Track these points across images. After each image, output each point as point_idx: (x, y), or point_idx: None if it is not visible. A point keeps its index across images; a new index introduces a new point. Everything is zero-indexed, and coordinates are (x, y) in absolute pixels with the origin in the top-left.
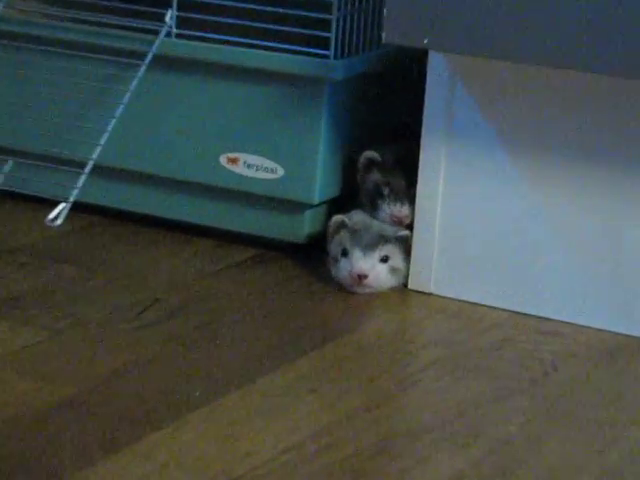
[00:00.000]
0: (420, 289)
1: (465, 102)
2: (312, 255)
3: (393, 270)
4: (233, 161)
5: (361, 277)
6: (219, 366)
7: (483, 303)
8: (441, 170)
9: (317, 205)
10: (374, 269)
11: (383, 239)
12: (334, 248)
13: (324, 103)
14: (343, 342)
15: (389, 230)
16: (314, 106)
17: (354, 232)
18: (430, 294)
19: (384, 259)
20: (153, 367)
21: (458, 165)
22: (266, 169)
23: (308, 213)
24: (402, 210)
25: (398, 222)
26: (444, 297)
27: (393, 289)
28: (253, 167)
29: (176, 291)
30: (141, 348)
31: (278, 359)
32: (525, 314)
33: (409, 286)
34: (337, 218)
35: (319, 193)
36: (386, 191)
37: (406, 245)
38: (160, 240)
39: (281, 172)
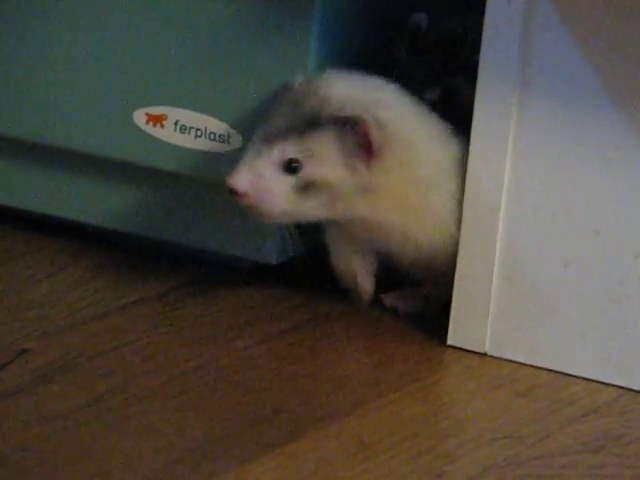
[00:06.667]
0: (467, 347)
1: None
2: (289, 283)
3: (309, 188)
4: (156, 120)
5: (236, 193)
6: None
7: (571, 372)
8: (507, 156)
9: None
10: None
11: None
12: None
13: (313, 22)
14: (329, 434)
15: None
16: (296, 27)
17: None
18: (484, 355)
19: (289, 165)
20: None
21: (536, 148)
22: (213, 135)
23: None
24: None
25: None
26: (507, 361)
27: (421, 344)
28: (190, 131)
29: (54, 338)
30: None
31: (217, 462)
32: None
33: (449, 341)
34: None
35: None
36: None
37: (355, 138)
38: (32, 250)
39: (238, 140)
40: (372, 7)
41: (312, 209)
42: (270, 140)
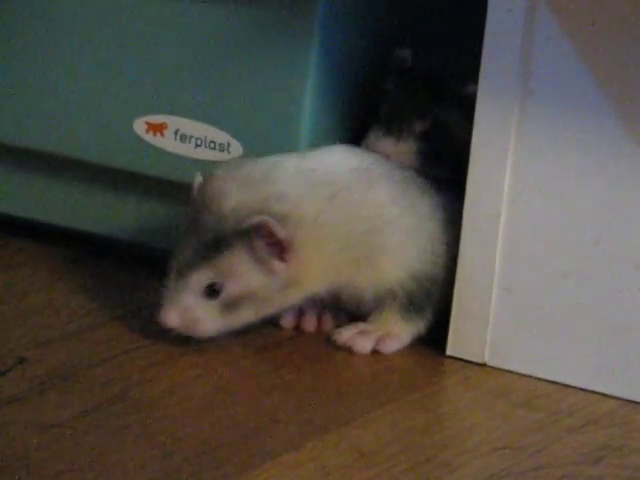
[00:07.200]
0: (466, 357)
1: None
2: None
3: (235, 303)
4: (156, 129)
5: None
6: None
7: (570, 383)
8: (507, 165)
9: None
10: (190, 311)
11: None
12: None
13: (315, 30)
14: (328, 444)
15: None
16: (297, 36)
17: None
18: (483, 366)
19: (210, 290)
20: None
21: (537, 158)
22: (213, 144)
23: None
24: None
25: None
26: (506, 371)
27: (420, 354)
28: (190, 140)
29: (53, 346)
30: None
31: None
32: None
33: (448, 351)
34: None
35: None
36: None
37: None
38: (31, 259)
39: (238, 149)
40: (374, 18)
41: (244, 318)
42: (184, 272)
